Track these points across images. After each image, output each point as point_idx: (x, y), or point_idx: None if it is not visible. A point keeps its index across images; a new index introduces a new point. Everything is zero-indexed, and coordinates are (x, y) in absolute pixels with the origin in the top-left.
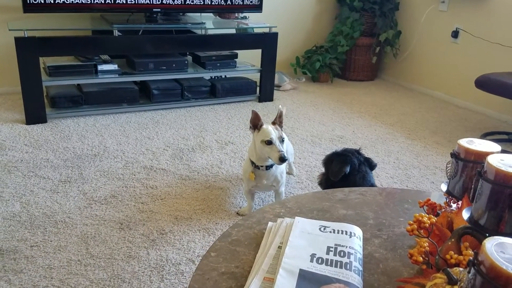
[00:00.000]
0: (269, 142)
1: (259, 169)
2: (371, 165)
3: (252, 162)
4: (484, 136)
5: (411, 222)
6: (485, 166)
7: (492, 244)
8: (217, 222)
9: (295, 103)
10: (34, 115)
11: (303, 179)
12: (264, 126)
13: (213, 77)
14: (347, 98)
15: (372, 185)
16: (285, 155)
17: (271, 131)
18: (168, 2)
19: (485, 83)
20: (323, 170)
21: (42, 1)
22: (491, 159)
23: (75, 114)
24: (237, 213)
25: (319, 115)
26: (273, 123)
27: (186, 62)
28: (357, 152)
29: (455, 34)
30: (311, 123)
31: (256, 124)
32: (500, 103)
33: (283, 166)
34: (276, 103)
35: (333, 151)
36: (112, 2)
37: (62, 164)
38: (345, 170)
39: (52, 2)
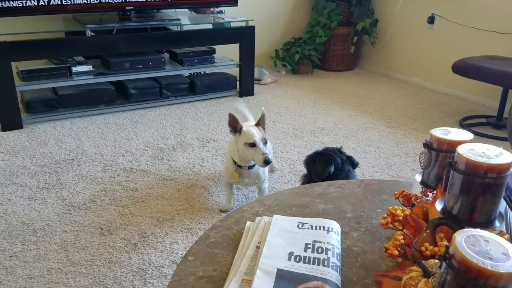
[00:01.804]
0: (253, 145)
1: (241, 168)
2: (353, 164)
3: (235, 162)
4: (463, 120)
5: (385, 216)
6: (455, 156)
7: (463, 238)
8: (200, 221)
9: (276, 96)
10: (9, 121)
11: (285, 173)
12: (245, 129)
13: (191, 73)
14: (328, 89)
15: None
16: (269, 157)
17: (254, 133)
18: None
19: (462, 68)
20: (305, 171)
21: (12, 5)
22: (461, 149)
23: (51, 118)
24: (220, 210)
25: (300, 108)
26: (257, 124)
27: (163, 59)
28: (339, 150)
29: (431, 20)
30: (292, 116)
31: (235, 126)
32: (478, 86)
33: None
34: (257, 97)
35: (315, 151)
36: (84, 2)
37: (40, 170)
38: (330, 170)
39: (22, 5)
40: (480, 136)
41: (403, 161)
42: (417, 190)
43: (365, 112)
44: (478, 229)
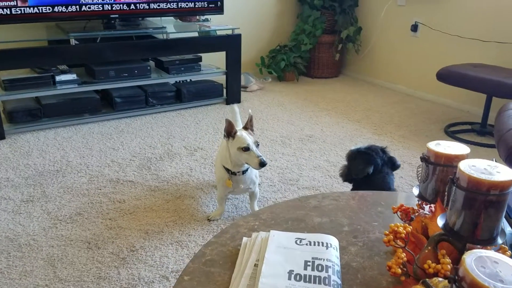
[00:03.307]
0: (246, 149)
1: (235, 175)
2: (394, 165)
3: (227, 169)
4: (448, 127)
5: (387, 233)
6: (457, 173)
7: (472, 259)
8: (190, 233)
9: (263, 103)
10: None
11: (275, 182)
12: (238, 133)
13: (178, 81)
14: (314, 96)
15: (390, 189)
16: (264, 159)
17: (247, 137)
18: (125, 7)
19: (446, 76)
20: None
21: None
22: (462, 166)
23: (35, 128)
24: (208, 219)
25: (287, 115)
26: (245, 128)
27: (148, 67)
28: (382, 150)
29: (414, 28)
30: (280, 124)
31: (230, 132)
32: (462, 94)
33: None
34: (244, 104)
35: (358, 148)
36: (68, 10)
37: (24, 182)
38: (368, 170)
39: (5, 13)
40: (465, 143)
41: None
42: (411, 201)
43: (352, 119)
44: (486, 250)
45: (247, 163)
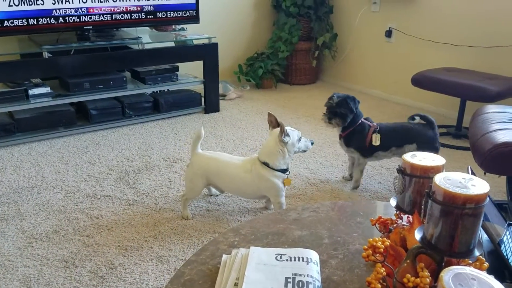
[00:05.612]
0: (300, 138)
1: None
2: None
3: (283, 170)
4: None
5: (366, 248)
6: (433, 187)
7: (450, 277)
8: (170, 248)
9: (242, 112)
10: None
11: None
12: (289, 129)
13: (155, 91)
14: (292, 103)
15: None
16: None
17: (293, 129)
18: (99, 18)
19: (421, 81)
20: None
21: None
22: (438, 180)
23: (8, 144)
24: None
25: (266, 123)
26: (274, 126)
27: (124, 78)
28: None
29: (388, 34)
30: (259, 132)
31: (283, 131)
32: (437, 98)
33: None
34: (222, 113)
35: (337, 98)
36: (40, 23)
37: None
38: (358, 101)
39: None
40: (441, 147)
41: (369, 175)
42: (389, 210)
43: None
44: (464, 267)
45: (303, 150)
